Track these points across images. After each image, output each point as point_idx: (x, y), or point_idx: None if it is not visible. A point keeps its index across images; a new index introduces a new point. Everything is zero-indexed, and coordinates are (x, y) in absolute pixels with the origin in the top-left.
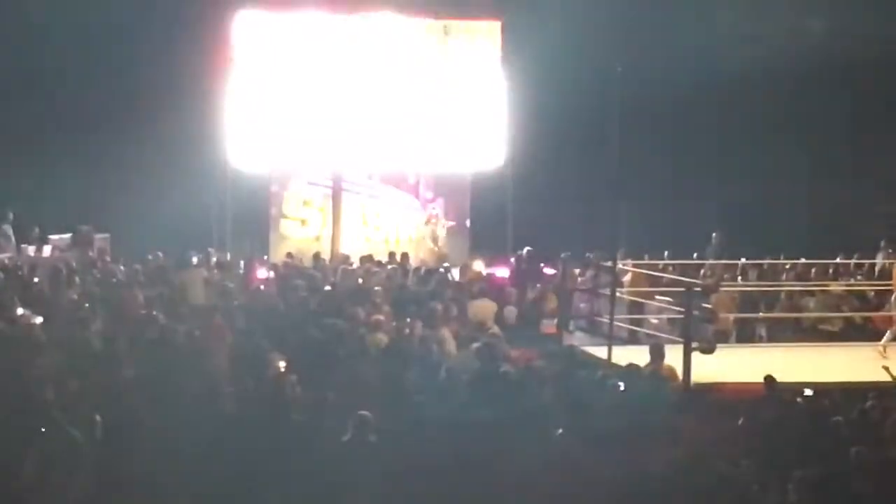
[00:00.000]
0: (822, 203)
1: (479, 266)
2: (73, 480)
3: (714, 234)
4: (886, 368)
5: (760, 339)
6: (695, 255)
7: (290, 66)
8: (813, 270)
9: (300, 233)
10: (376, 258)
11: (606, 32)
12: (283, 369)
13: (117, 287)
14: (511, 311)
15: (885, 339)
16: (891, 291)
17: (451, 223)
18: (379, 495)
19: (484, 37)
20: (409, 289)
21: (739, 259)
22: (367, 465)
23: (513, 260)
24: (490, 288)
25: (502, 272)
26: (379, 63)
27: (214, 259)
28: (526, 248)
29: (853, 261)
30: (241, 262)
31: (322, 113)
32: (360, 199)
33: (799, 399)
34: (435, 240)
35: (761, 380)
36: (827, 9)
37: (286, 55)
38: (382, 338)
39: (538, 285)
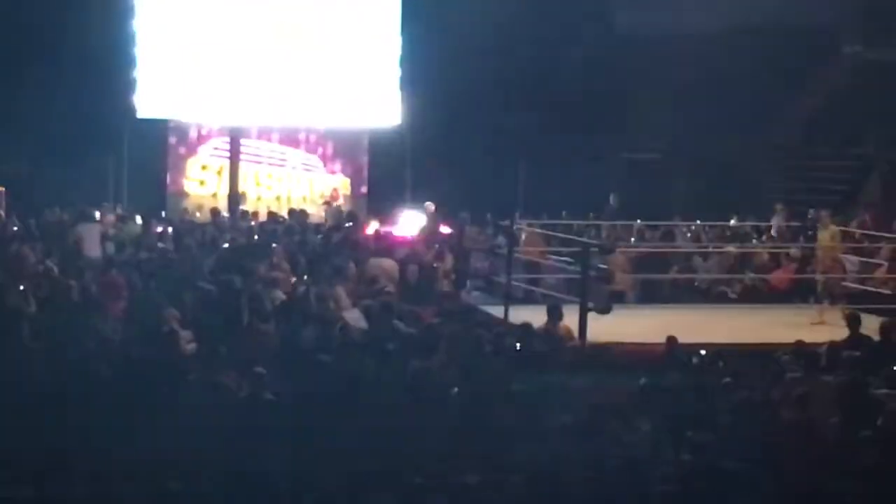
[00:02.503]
0: (717, 166)
1: (373, 225)
2: None
3: (611, 196)
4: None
5: (657, 301)
6: (591, 215)
7: (191, 13)
8: (709, 232)
9: (198, 190)
10: (276, 214)
11: None
12: (177, 325)
13: (12, 241)
14: (413, 270)
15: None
16: (787, 254)
17: (346, 180)
18: (275, 452)
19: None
20: (308, 246)
21: (636, 220)
22: (262, 421)
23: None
24: (391, 246)
25: (403, 230)
26: (279, 15)
27: (111, 214)
28: (428, 203)
29: (749, 223)
30: (139, 217)
31: (224, 63)
32: (258, 164)
33: (694, 360)
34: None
35: (657, 340)
36: None
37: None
38: (279, 294)
39: (436, 245)
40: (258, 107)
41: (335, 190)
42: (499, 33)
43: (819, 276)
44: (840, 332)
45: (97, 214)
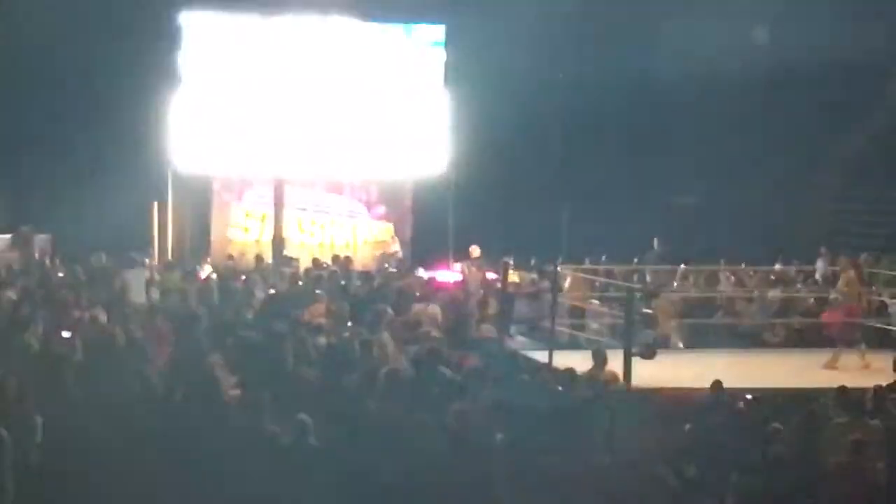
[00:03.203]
0: (761, 209)
1: (420, 272)
2: None
3: (655, 240)
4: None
5: (701, 345)
6: (635, 260)
7: (235, 67)
8: (753, 277)
9: (242, 237)
10: (320, 261)
11: (549, 39)
12: (222, 371)
13: (58, 287)
14: (456, 316)
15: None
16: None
17: (389, 226)
18: (318, 498)
19: (427, 41)
20: (351, 292)
21: (680, 265)
22: (306, 468)
23: (459, 265)
24: (435, 291)
25: (446, 276)
26: (322, 66)
27: (156, 260)
28: (473, 246)
29: (794, 267)
30: (184, 264)
31: (266, 116)
32: (301, 211)
33: (741, 404)
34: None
35: (702, 385)
36: (770, 19)
37: (232, 57)
38: (323, 340)
39: (480, 290)
40: (302, 160)
41: (393, 238)
42: (541, 80)
43: (847, 320)
44: (883, 377)
45: (146, 261)
